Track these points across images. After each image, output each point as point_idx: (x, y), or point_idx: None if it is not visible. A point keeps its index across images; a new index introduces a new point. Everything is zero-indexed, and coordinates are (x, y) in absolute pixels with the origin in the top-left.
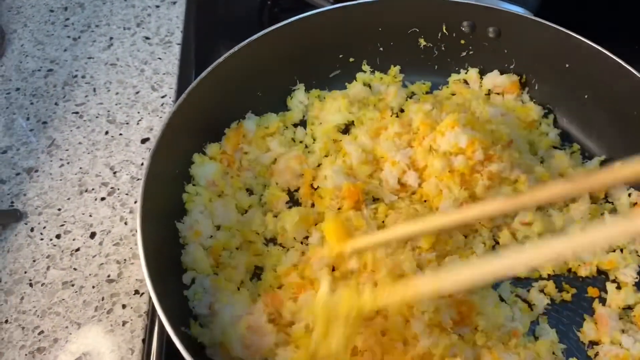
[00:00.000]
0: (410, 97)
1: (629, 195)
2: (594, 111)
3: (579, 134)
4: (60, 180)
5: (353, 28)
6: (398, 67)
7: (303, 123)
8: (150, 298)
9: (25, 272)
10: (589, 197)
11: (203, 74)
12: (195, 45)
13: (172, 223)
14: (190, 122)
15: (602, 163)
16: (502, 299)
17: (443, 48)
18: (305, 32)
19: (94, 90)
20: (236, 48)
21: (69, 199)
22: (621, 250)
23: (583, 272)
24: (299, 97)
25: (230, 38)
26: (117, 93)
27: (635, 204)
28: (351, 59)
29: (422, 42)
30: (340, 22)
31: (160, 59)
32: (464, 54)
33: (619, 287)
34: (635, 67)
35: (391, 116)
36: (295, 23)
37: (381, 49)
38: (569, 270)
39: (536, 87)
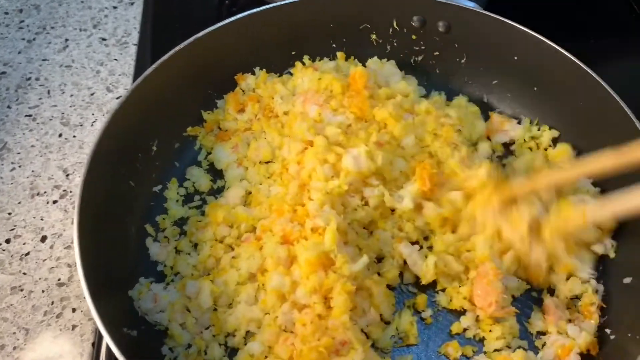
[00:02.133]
0: None
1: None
2: (543, 103)
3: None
4: (11, 184)
5: (305, 24)
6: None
7: None
8: None
9: None
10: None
11: (149, 70)
12: (152, 46)
13: (114, 225)
14: (134, 120)
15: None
16: None
17: (395, 44)
18: (256, 29)
19: (48, 92)
20: (184, 44)
21: (19, 202)
22: None
23: None
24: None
25: (188, 38)
26: (71, 95)
27: None
28: (305, 56)
29: (374, 37)
30: (293, 18)
31: (116, 60)
32: (416, 48)
33: (567, 278)
34: (581, 60)
35: None
36: (246, 18)
37: (334, 45)
38: None
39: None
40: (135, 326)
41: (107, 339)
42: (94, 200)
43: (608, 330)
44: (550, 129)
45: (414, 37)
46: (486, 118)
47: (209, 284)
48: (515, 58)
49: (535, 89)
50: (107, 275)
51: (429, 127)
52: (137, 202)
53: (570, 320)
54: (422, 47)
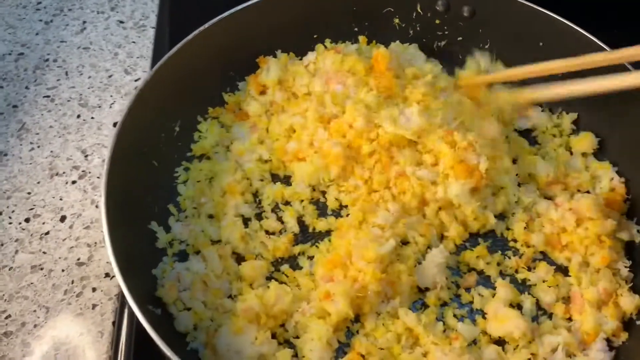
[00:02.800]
0: None
1: (611, 179)
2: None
3: (553, 111)
4: (30, 164)
5: (328, 7)
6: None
7: None
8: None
9: None
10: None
11: (172, 51)
12: (170, 29)
13: (138, 204)
14: (157, 100)
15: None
16: None
17: (418, 28)
18: (278, 11)
19: (66, 74)
20: (207, 25)
21: (38, 182)
22: None
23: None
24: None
25: (204, 22)
26: (89, 77)
27: (613, 189)
28: (327, 40)
29: (397, 22)
30: (316, 0)
31: (134, 42)
32: (439, 33)
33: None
34: (607, 44)
35: None
36: (268, 1)
37: (356, 29)
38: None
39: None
40: (159, 304)
41: (136, 313)
42: (119, 179)
43: (634, 316)
44: (568, 113)
45: (437, 21)
46: None
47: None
48: (541, 44)
49: (560, 75)
50: (132, 254)
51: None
52: (159, 182)
53: (597, 309)
54: (446, 32)
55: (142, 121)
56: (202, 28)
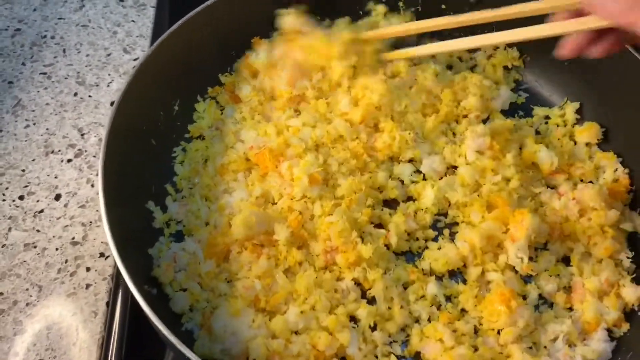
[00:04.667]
0: None
1: (615, 170)
2: (574, 79)
3: (558, 101)
4: (25, 141)
5: None
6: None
7: None
8: (115, 261)
9: None
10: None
11: (173, 28)
12: (170, 8)
13: (136, 182)
14: (157, 77)
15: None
16: None
17: (423, 12)
18: None
19: (64, 51)
20: (209, 2)
21: (33, 160)
22: None
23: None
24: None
25: (204, 1)
26: (87, 55)
27: (616, 180)
28: (326, 20)
29: (402, 5)
30: None
31: (133, 21)
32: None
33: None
34: None
35: None
36: None
37: (360, 12)
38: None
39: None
40: (155, 285)
41: (133, 292)
42: (117, 157)
43: (636, 307)
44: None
45: (443, 6)
46: None
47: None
48: None
49: (566, 64)
50: (128, 233)
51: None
52: (157, 161)
53: (599, 299)
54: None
55: (141, 98)
56: (204, 5)
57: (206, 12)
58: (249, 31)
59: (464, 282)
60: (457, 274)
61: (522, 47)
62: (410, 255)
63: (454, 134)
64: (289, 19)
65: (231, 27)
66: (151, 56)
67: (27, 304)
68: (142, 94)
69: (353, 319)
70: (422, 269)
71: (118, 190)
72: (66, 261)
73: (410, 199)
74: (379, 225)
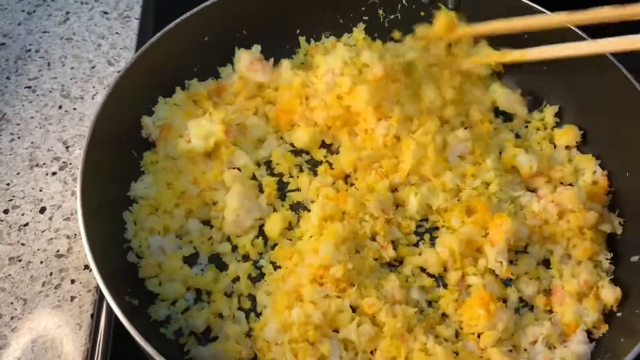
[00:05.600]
0: None
1: (594, 172)
2: (552, 82)
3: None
4: (10, 154)
5: None
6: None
7: None
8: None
9: None
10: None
11: (153, 39)
12: (154, 20)
13: (117, 189)
14: (138, 86)
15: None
16: None
17: (403, 20)
18: (260, 3)
19: (48, 64)
20: (188, 14)
21: (18, 173)
22: None
23: None
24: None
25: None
26: (72, 67)
27: (595, 182)
28: (311, 33)
29: (382, 13)
30: None
31: (118, 33)
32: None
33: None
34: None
35: None
36: None
37: (341, 21)
38: None
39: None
40: (136, 295)
41: (111, 304)
42: (97, 167)
43: (615, 308)
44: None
45: (422, 13)
46: None
47: None
48: (526, 36)
49: (544, 68)
50: (109, 243)
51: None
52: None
53: (578, 300)
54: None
55: (122, 109)
56: (183, 17)
57: (185, 23)
58: (228, 41)
59: (445, 286)
60: (438, 278)
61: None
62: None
63: None
64: None
65: (211, 37)
66: (131, 67)
67: (12, 318)
68: (122, 104)
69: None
70: (406, 276)
71: (98, 201)
72: (51, 274)
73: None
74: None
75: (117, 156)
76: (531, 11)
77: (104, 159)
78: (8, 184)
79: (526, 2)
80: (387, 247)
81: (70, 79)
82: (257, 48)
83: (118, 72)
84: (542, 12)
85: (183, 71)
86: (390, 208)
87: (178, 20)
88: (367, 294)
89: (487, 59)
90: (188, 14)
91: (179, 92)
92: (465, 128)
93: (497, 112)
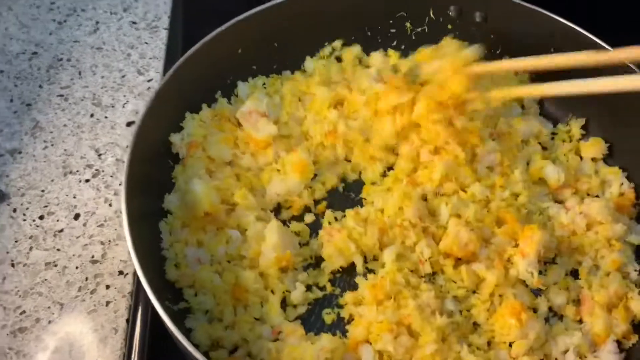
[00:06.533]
0: None
1: (621, 184)
2: (579, 95)
3: (563, 117)
4: (44, 162)
5: (339, 11)
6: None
7: None
8: (134, 278)
9: (8, 253)
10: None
11: (189, 52)
12: (183, 30)
13: (155, 200)
14: (175, 100)
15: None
16: None
17: (430, 33)
18: (290, 15)
19: (79, 73)
20: (222, 28)
21: (52, 180)
22: None
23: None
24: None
25: (217, 23)
26: (102, 76)
27: (622, 194)
28: (337, 47)
29: (409, 26)
30: (326, 5)
31: (147, 43)
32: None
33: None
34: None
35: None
36: (282, 5)
37: (369, 33)
38: None
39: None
40: (176, 303)
41: (155, 305)
42: (137, 178)
43: None
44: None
45: (449, 26)
46: None
47: None
48: (552, 50)
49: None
50: (148, 251)
51: None
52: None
53: (608, 311)
54: (458, 38)
55: (159, 122)
56: (221, 28)
57: (223, 34)
58: (268, 53)
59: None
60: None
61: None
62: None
63: None
64: None
65: (247, 50)
66: (168, 80)
67: (49, 322)
68: (159, 117)
69: None
70: (440, 286)
71: (138, 209)
72: (86, 279)
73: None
74: None
75: (155, 168)
76: (554, 25)
77: (143, 171)
78: (43, 191)
79: (550, 14)
80: (424, 263)
81: (101, 87)
82: (262, 98)
83: (148, 80)
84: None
85: (215, 86)
86: (427, 216)
87: (214, 32)
88: (404, 305)
89: (509, 94)
90: (224, 26)
91: (205, 108)
92: (493, 139)
93: None
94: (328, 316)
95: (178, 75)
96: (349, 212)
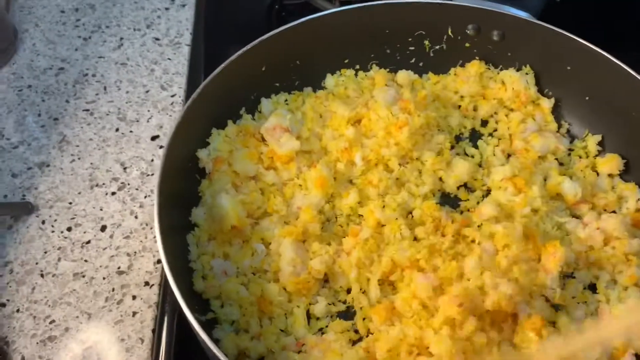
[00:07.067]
0: None
1: (637, 200)
2: (595, 112)
3: (579, 133)
4: (71, 174)
5: (358, 30)
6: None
7: None
8: (160, 289)
9: (37, 263)
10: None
11: (217, 71)
12: (205, 47)
13: (183, 213)
14: (202, 116)
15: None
16: None
17: (448, 51)
18: (312, 34)
19: (105, 88)
20: (248, 47)
21: (79, 193)
22: None
23: None
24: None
25: (238, 41)
26: (127, 92)
27: (639, 210)
28: (357, 65)
29: (428, 44)
30: (347, 24)
31: (169, 59)
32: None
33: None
34: (636, 70)
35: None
36: (304, 24)
37: (388, 51)
38: None
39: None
40: (203, 314)
41: (188, 315)
42: (168, 195)
43: None
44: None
45: (467, 44)
46: None
47: None
48: (568, 68)
49: (587, 98)
50: (180, 259)
51: None
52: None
53: None
54: (476, 57)
55: (187, 138)
56: (246, 47)
57: (247, 54)
58: (285, 73)
59: None
60: None
61: (544, 82)
62: None
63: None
64: None
65: (273, 68)
66: (197, 98)
67: (78, 331)
68: (187, 134)
69: None
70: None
71: (167, 224)
72: (113, 290)
73: None
74: None
75: (183, 182)
76: (571, 44)
77: (172, 185)
78: (70, 203)
79: (567, 34)
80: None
81: (126, 102)
82: (285, 113)
83: (172, 96)
84: None
85: (240, 102)
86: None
87: (240, 51)
88: (425, 326)
89: None
90: (249, 45)
91: (231, 124)
92: (509, 156)
93: None
94: (348, 332)
95: (205, 92)
96: None
